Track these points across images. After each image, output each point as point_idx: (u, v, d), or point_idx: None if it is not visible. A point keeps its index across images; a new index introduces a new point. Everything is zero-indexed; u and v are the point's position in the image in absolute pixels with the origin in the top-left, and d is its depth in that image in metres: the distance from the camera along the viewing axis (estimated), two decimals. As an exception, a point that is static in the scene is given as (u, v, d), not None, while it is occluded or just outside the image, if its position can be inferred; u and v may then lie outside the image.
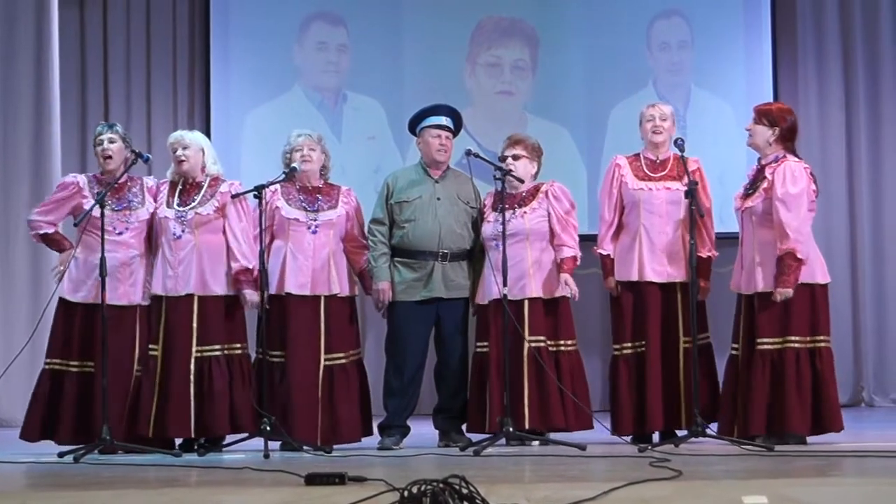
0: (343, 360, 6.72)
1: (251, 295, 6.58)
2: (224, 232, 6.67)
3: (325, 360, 6.68)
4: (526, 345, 6.61)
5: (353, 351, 6.80)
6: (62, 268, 6.66)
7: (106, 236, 6.49)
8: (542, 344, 6.66)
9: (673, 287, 6.68)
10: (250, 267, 6.59)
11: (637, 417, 6.67)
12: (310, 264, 6.68)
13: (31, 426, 6.64)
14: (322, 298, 6.69)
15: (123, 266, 6.61)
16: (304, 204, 6.76)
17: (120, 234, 6.62)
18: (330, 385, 6.68)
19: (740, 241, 6.54)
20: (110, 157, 6.67)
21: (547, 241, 6.78)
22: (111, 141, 6.69)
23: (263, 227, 6.56)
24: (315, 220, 6.73)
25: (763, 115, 6.51)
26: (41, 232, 6.72)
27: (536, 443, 6.56)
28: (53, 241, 6.77)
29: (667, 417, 6.64)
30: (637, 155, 6.87)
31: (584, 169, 9.77)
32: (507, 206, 6.65)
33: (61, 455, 6.20)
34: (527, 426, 6.54)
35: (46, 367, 6.67)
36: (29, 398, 6.77)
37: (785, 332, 6.33)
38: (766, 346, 6.33)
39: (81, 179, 6.75)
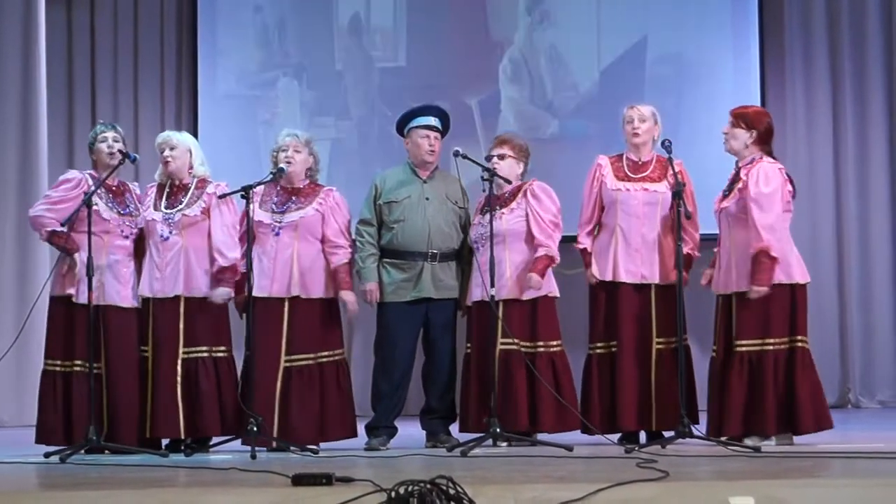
0: (309, 362, 6.69)
1: (219, 289, 6.57)
2: (209, 233, 6.67)
3: (286, 361, 6.66)
4: (498, 348, 6.60)
5: (328, 352, 6.74)
6: (81, 271, 6.49)
7: (111, 239, 6.55)
8: (514, 346, 6.65)
9: (647, 288, 6.70)
10: (226, 265, 6.58)
11: (607, 416, 6.68)
12: (272, 266, 6.65)
13: (51, 430, 6.53)
14: (286, 301, 6.67)
15: (124, 269, 6.60)
16: (273, 206, 6.74)
17: (126, 237, 6.62)
18: (287, 386, 6.64)
19: (718, 243, 6.57)
20: (116, 154, 6.64)
21: (524, 242, 6.77)
22: (115, 140, 6.68)
23: (251, 227, 6.54)
24: (280, 221, 6.70)
25: (740, 119, 6.54)
26: (51, 229, 6.51)
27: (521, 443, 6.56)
28: (61, 240, 6.51)
29: (639, 417, 6.65)
30: (620, 155, 6.89)
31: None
32: (492, 207, 6.65)
33: (48, 455, 6.18)
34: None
35: (49, 368, 6.60)
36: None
37: (764, 334, 6.36)
38: (744, 349, 6.36)
39: (85, 175, 6.69)
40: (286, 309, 6.67)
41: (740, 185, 6.41)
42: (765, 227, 6.29)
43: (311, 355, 6.69)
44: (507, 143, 6.91)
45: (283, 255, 6.66)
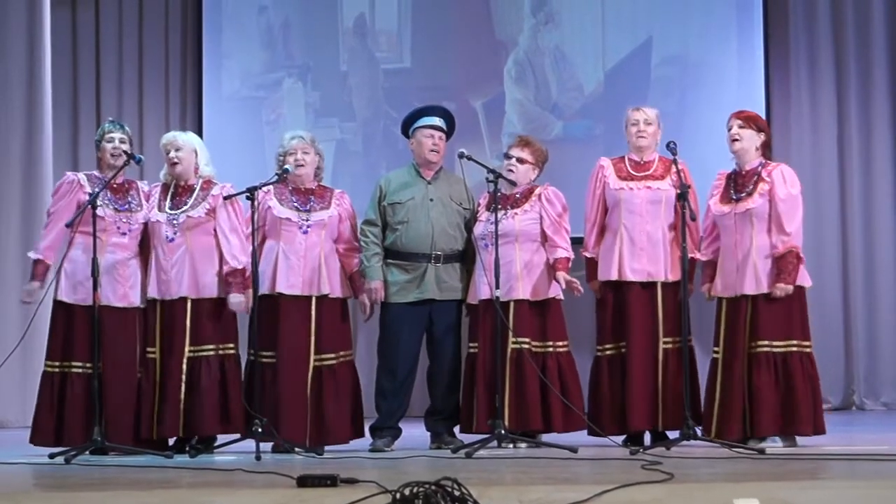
0: (333, 361, 6.71)
1: (235, 298, 6.58)
2: (215, 234, 6.67)
3: (315, 360, 6.67)
4: (509, 347, 6.61)
5: (344, 352, 6.78)
6: (29, 300, 6.62)
7: (109, 237, 6.54)
8: (526, 346, 6.66)
9: (654, 286, 6.70)
10: (239, 268, 6.59)
11: (618, 417, 6.68)
12: (301, 264, 6.67)
13: (43, 431, 6.56)
14: (313, 299, 6.69)
15: (123, 267, 6.61)
16: (296, 204, 6.75)
17: (123, 234, 6.62)
18: (319, 386, 6.67)
19: (727, 245, 6.56)
20: (120, 154, 6.66)
21: (538, 244, 6.78)
22: (122, 141, 6.69)
23: (256, 228, 6.55)
24: (307, 220, 6.72)
25: (752, 122, 6.61)
26: (35, 257, 6.62)
27: (525, 445, 6.57)
28: (34, 268, 6.66)
29: (649, 417, 6.65)
30: (622, 157, 6.89)
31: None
32: (499, 206, 6.65)
33: (52, 456, 6.18)
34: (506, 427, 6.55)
35: (48, 370, 6.61)
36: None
37: (788, 335, 6.42)
38: (770, 349, 6.39)
39: (81, 176, 6.71)
40: (314, 307, 6.68)
41: (767, 186, 6.45)
42: (794, 228, 6.42)
43: (335, 354, 6.71)
44: (529, 147, 6.90)
45: (312, 254, 6.68)
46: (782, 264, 6.38)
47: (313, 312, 6.69)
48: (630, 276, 6.68)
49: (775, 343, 6.40)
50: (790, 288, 6.37)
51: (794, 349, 6.41)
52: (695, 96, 9.99)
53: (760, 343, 6.41)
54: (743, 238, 6.50)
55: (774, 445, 6.32)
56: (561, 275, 6.68)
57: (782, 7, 10.14)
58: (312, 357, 6.67)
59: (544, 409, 6.66)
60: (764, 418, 6.36)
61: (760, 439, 6.35)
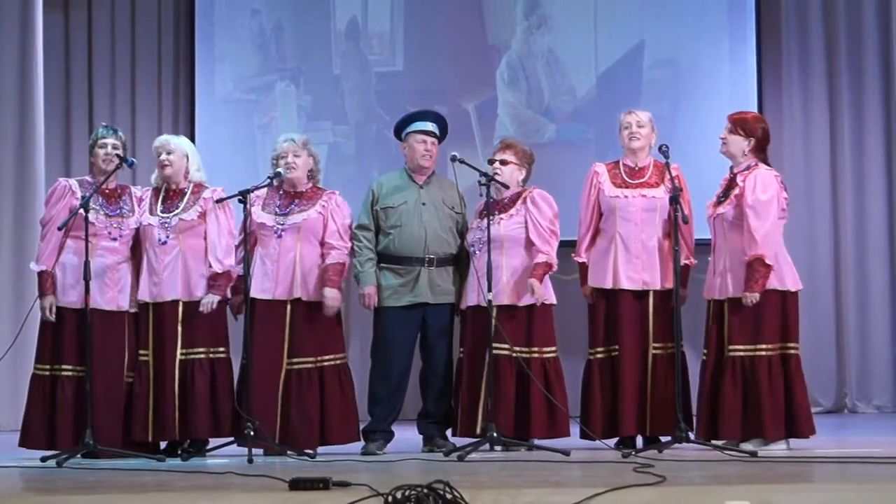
0: (310, 366, 6.69)
1: (207, 297, 6.58)
2: (206, 237, 6.67)
3: (288, 364, 6.66)
4: (488, 353, 6.60)
5: (330, 356, 6.73)
6: (50, 316, 6.56)
7: (99, 241, 6.54)
8: (506, 351, 6.66)
9: (646, 294, 6.71)
10: (221, 271, 6.59)
11: (608, 421, 6.69)
12: (275, 269, 6.66)
13: (33, 434, 6.57)
14: (288, 303, 6.68)
15: (112, 271, 6.61)
16: (276, 208, 6.74)
17: (114, 239, 6.62)
18: (289, 389, 6.65)
19: (712, 248, 6.58)
20: (113, 160, 6.65)
21: (525, 249, 6.76)
22: (115, 147, 6.68)
23: (248, 231, 6.55)
24: (282, 224, 6.70)
25: (738, 125, 6.57)
26: (39, 269, 6.58)
27: (522, 448, 6.57)
28: (41, 281, 6.59)
29: (639, 422, 6.66)
30: (616, 162, 6.89)
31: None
32: (490, 212, 6.64)
33: (44, 459, 6.18)
34: (478, 431, 6.56)
35: (37, 373, 6.61)
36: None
37: (756, 339, 6.38)
38: (737, 353, 6.39)
39: (72, 182, 6.71)
40: (288, 311, 6.67)
41: (737, 191, 6.43)
42: (760, 235, 6.32)
43: (313, 359, 6.69)
44: (511, 148, 6.91)
45: (286, 258, 6.67)
46: (749, 272, 6.34)
47: (288, 317, 6.67)
48: (625, 285, 6.68)
49: (742, 347, 6.37)
50: (756, 296, 6.32)
51: (763, 353, 6.36)
52: (687, 99, 10.00)
53: (730, 347, 6.40)
54: (718, 242, 6.53)
55: (769, 450, 6.32)
56: (532, 282, 6.65)
57: (774, 10, 10.15)
58: (285, 361, 6.66)
59: (524, 415, 6.65)
60: (728, 421, 6.35)
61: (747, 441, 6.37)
